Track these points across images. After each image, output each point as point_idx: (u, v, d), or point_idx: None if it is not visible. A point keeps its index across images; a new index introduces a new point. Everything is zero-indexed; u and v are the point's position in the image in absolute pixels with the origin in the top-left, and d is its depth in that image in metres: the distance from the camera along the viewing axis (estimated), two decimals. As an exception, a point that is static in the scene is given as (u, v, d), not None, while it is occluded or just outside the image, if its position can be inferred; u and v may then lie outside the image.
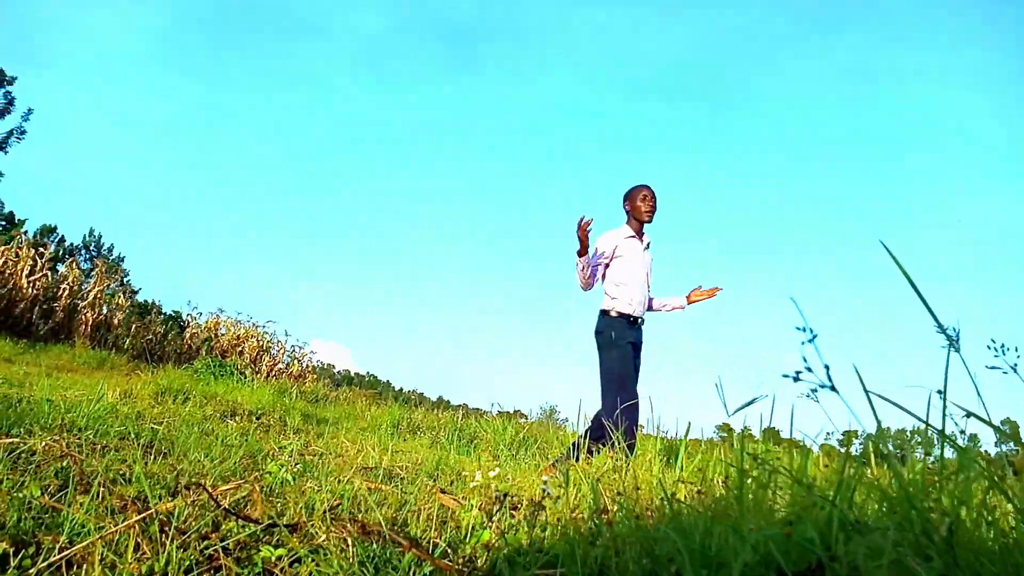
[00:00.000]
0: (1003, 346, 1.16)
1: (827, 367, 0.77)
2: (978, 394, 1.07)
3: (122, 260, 22.04)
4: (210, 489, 1.42)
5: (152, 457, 2.27)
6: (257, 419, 4.70)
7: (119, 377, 8.02)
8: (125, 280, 20.39)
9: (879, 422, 1.33)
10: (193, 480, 1.62)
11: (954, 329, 1.04)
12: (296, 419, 5.18)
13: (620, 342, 3.94)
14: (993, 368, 1.15)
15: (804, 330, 0.80)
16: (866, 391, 1.26)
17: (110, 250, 22.62)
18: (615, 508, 1.33)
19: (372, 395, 15.06)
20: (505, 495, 1.47)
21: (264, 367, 12.66)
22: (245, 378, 10.57)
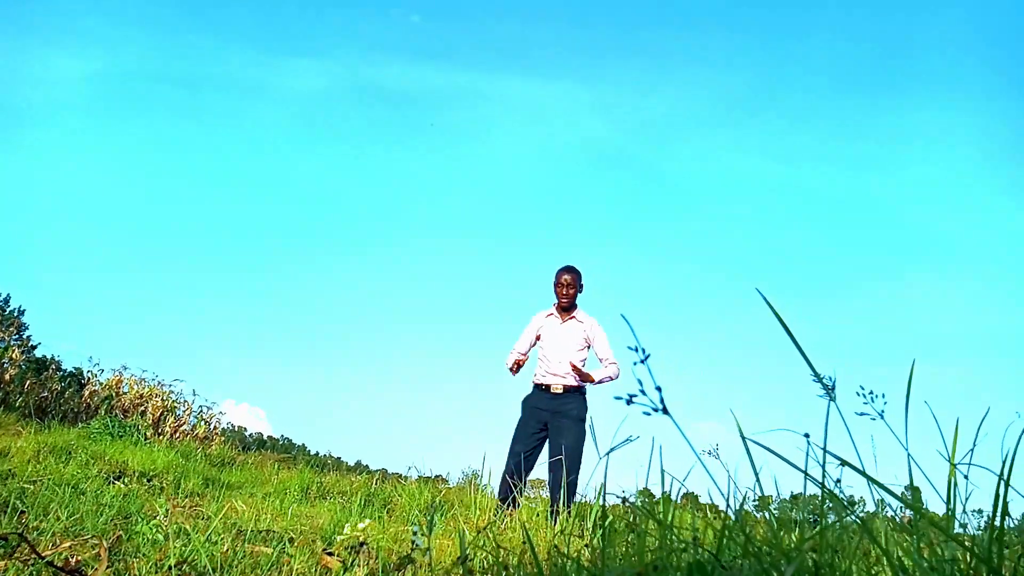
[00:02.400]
0: (871, 392, 1.18)
1: (659, 388, 0.75)
2: (853, 444, 1.08)
3: (21, 313, 20.69)
4: (52, 545, 1.28)
5: (8, 516, 2.06)
6: (148, 481, 4.39)
7: (1, 435, 7.43)
8: (23, 334, 19.15)
9: (758, 477, 1.32)
10: (16, 533, 1.45)
11: (830, 378, 1.06)
12: (193, 482, 4.86)
13: (524, 408, 4.25)
14: (862, 414, 1.17)
15: (636, 350, 0.78)
16: (743, 437, 1.26)
17: (7, 301, 21.24)
18: (483, 557, 1.27)
19: (285, 459, 14.42)
20: (363, 544, 1.39)
21: (168, 428, 11.94)
22: (145, 439, 9.95)
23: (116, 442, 7.52)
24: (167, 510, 2.10)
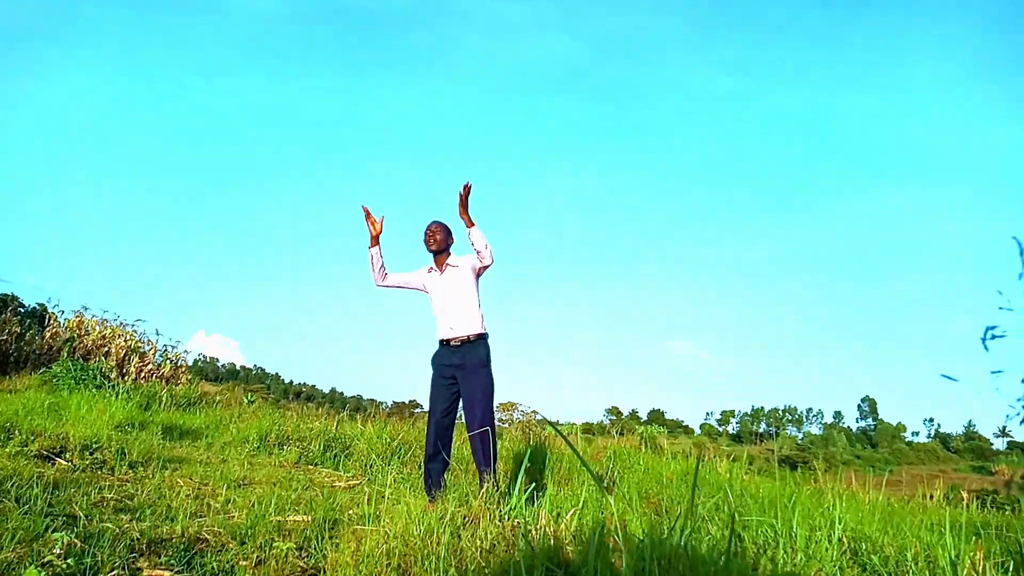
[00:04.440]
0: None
1: None
2: None
3: (-23, 248, 20.24)
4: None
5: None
6: (91, 454, 4.43)
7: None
8: (-20, 271, 18.79)
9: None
10: None
11: (616, 477, 1.09)
12: (142, 445, 4.93)
13: (432, 365, 4.42)
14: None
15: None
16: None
17: (-39, 238, 20.67)
18: None
19: (258, 390, 14.64)
20: None
21: (132, 369, 11.96)
22: (108, 382, 9.98)
23: (68, 397, 7.54)
24: (62, 543, 2.14)
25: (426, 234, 4.50)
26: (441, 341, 4.40)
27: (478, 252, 4.30)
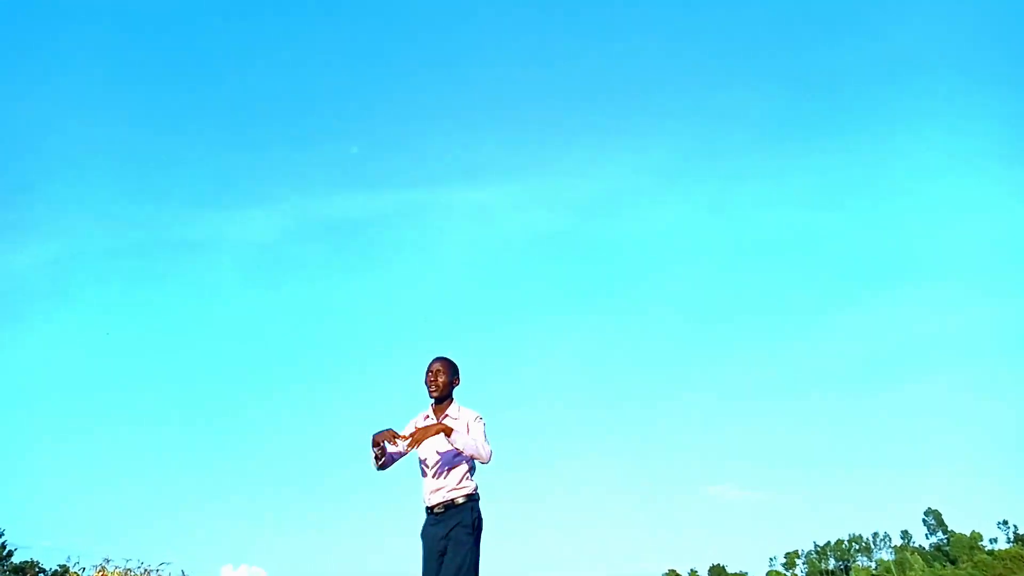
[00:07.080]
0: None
1: None
2: None
3: (-7, 518, 19.63)
4: None
5: None
6: None
7: None
8: (-2, 541, 18.18)
9: None
10: None
11: None
12: None
13: (423, 543, 3.73)
14: None
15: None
16: None
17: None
18: None
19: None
20: None
21: (162, 615, 11.08)
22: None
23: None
24: None
25: (427, 376, 3.85)
26: (426, 509, 3.75)
27: (471, 457, 3.66)
